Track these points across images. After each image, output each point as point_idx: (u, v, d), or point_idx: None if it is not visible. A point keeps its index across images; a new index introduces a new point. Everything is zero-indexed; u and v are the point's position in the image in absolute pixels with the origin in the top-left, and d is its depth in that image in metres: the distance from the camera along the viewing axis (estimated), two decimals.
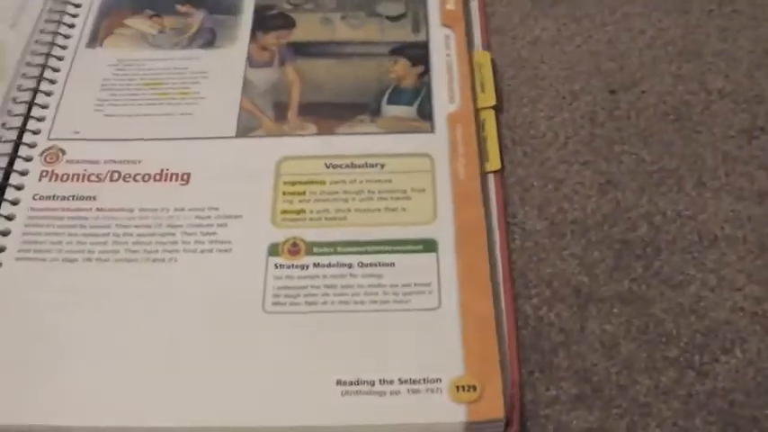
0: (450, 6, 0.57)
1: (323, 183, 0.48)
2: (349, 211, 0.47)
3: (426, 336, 0.42)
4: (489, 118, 0.51)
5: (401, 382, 0.40)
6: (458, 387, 0.40)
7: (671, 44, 0.55)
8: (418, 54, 0.55)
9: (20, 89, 0.53)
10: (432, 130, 0.51)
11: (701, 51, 0.55)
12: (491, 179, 0.49)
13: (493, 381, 0.40)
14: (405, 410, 0.39)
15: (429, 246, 0.45)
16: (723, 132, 0.51)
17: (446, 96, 0.52)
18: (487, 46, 0.56)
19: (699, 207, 0.48)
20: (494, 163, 0.49)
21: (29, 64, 0.55)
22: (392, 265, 0.45)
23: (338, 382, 0.40)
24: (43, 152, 0.50)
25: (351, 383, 0.40)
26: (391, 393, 0.40)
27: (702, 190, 0.49)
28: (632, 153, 0.50)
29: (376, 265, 0.44)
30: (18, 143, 0.50)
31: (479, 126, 0.51)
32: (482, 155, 0.50)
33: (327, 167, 0.49)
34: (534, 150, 0.50)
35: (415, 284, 0.44)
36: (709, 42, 0.55)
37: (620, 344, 0.43)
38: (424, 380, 0.40)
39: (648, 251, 0.46)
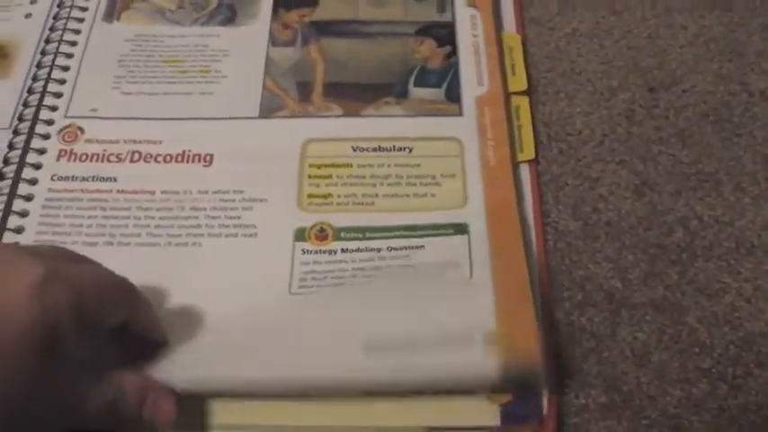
0: None
1: (350, 166, 0.48)
2: (377, 196, 0.47)
3: (459, 300, 0.42)
4: (523, 105, 0.52)
5: (435, 338, 0.40)
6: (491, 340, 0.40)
7: (713, 42, 0.56)
8: (444, 34, 0.55)
9: (39, 66, 0.53)
10: (460, 113, 0.51)
11: (744, 50, 0.55)
12: (525, 169, 0.49)
13: (526, 331, 0.40)
14: (440, 366, 0.39)
15: (460, 229, 0.46)
16: (764, 135, 0.51)
17: (474, 79, 0.52)
18: (520, 29, 0.56)
19: (737, 213, 0.48)
20: (528, 152, 0.50)
21: (48, 41, 0.55)
22: (422, 247, 0.45)
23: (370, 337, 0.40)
24: (61, 130, 0.50)
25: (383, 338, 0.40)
26: (425, 347, 0.40)
27: (741, 195, 0.49)
28: (670, 154, 0.51)
29: (405, 248, 0.45)
30: (35, 121, 0.50)
31: (511, 112, 0.51)
32: (515, 143, 0.50)
33: (354, 150, 0.49)
34: (570, 147, 0.51)
35: (446, 261, 0.44)
36: (751, 41, 0.56)
37: (652, 352, 0.44)
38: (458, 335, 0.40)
39: (684, 257, 0.47)
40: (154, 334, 0.39)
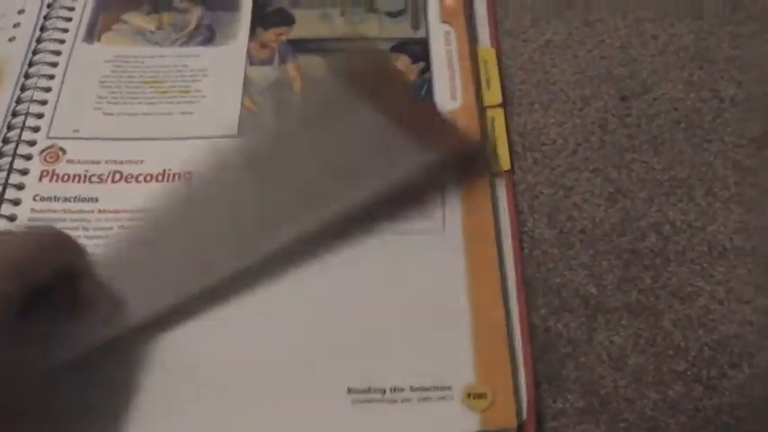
0: (449, 2, 0.58)
1: None
2: None
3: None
4: (498, 117, 0.53)
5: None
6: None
7: (683, 50, 0.57)
8: (418, 50, 0.56)
9: (23, 88, 0.55)
10: None
11: (714, 58, 0.57)
12: (500, 181, 0.50)
13: (504, 388, 0.42)
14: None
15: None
16: (734, 141, 0.53)
17: (448, 93, 0.54)
18: (495, 44, 0.57)
19: (708, 217, 0.50)
20: (504, 163, 0.51)
21: (31, 63, 0.56)
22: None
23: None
24: (43, 151, 0.51)
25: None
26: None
27: (712, 200, 0.50)
28: (642, 161, 0.52)
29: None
30: (19, 142, 0.51)
31: (485, 124, 0.52)
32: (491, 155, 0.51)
33: None
34: (545, 157, 0.52)
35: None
36: (720, 48, 0.57)
37: (628, 356, 0.45)
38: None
39: (657, 262, 0.48)
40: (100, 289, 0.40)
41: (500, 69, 0.55)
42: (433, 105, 0.52)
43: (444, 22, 0.57)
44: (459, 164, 0.49)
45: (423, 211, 0.49)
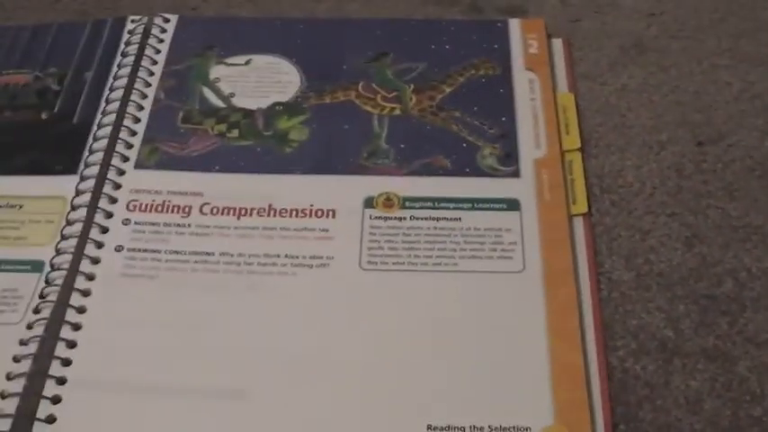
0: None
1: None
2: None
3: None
4: (576, 160, 0.55)
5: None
6: None
7: (758, 98, 0.59)
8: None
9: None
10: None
11: None
12: (578, 223, 0.52)
13: (582, 430, 0.43)
14: None
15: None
16: None
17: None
18: (573, 88, 0.59)
19: None
20: (581, 206, 0.53)
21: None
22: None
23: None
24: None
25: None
26: None
27: None
28: (718, 207, 0.53)
29: None
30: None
31: (566, 169, 0.54)
32: (569, 197, 0.53)
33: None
34: (622, 199, 0.54)
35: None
36: None
37: (705, 400, 0.46)
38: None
39: (733, 308, 0.49)
40: None
41: (577, 110, 0.57)
42: None
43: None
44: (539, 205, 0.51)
45: (503, 252, 0.50)
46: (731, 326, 0.49)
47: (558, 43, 0.61)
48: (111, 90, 0.59)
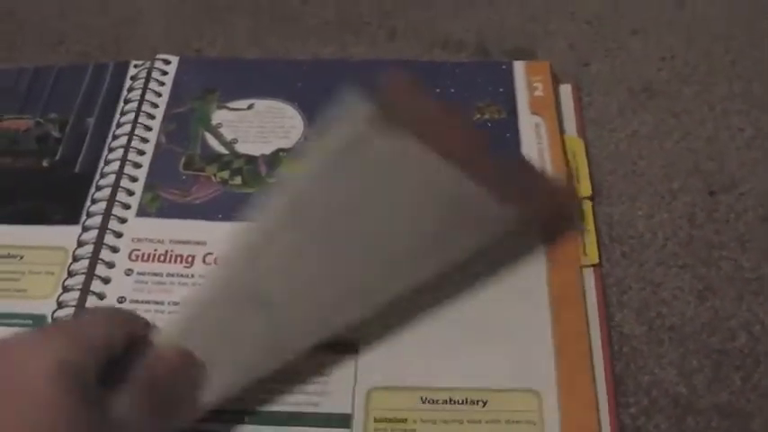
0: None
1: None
2: None
3: None
4: (587, 209, 0.55)
5: None
6: None
7: None
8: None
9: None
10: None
11: None
12: (589, 274, 0.52)
13: None
14: None
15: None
16: None
17: None
18: (582, 134, 0.59)
19: None
20: (592, 257, 0.53)
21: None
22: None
23: None
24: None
25: None
26: None
27: None
28: (731, 258, 0.54)
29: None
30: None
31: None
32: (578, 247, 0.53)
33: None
34: (632, 250, 0.54)
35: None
36: None
37: None
38: None
39: (747, 362, 0.49)
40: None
41: (587, 159, 0.57)
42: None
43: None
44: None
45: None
46: (745, 381, 0.49)
47: (566, 89, 0.61)
48: (114, 138, 0.59)
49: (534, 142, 0.58)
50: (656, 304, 0.52)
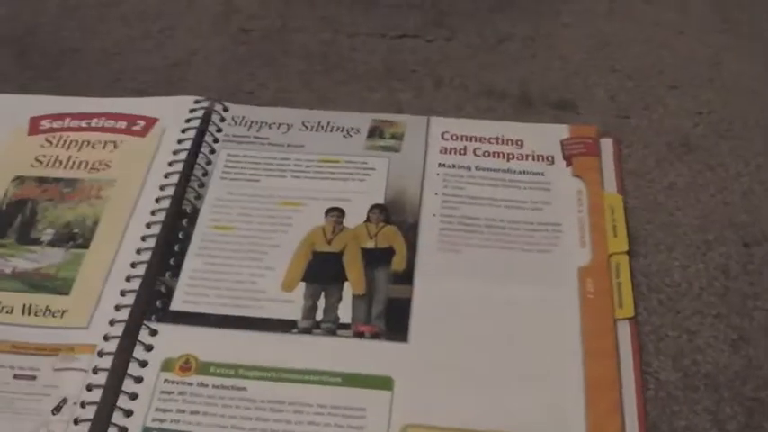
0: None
1: None
2: None
3: None
4: (623, 263, 0.57)
5: None
6: None
7: None
8: None
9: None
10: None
11: None
12: (624, 326, 0.55)
13: None
14: None
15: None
16: None
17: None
18: (621, 190, 0.62)
19: None
20: (627, 310, 0.55)
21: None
22: None
23: None
24: None
25: None
26: None
27: None
28: (765, 309, 0.56)
29: None
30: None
31: (611, 272, 0.57)
32: (614, 301, 0.55)
33: None
34: (669, 299, 0.56)
35: None
36: None
37: None
38: None
39: None
40: None
41: (625, 210, 0.60)
42: None
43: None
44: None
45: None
46: None
47: (607, 143, 0.64)
48: None
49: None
50: (691, 352, 0.54)
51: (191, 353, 0.53)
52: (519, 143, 0.64)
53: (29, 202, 0.62)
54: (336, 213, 0.60)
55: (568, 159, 0.63)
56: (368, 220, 0.60)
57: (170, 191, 0.62)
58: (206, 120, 0.66)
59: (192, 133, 0.65)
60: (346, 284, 0.57)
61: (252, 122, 0.67)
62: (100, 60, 0.74)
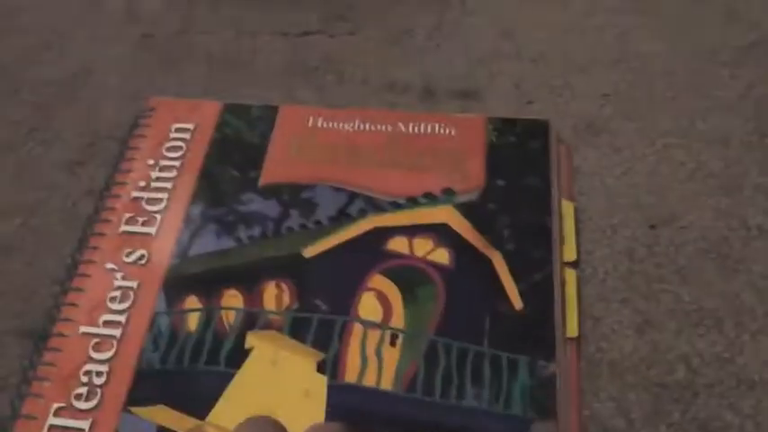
0: None
1: None
2: None
3: None
4: (570, 279, 0.54)
5: None
6: None
7: (712, 177, 0.61)
8: None
9: None
10: None
11: (741, 185, 0.60)
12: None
13: None
14: None
15: None
16: (762, 271, 0.56)
17: None
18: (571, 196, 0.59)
19: (737, 349, 0.53)
20: (571, 329, 0.52)
21: None
22: None
23: None
24: None
25: None
26: None
27: (741, 332, 0.53)
28: (671, 291, 0.55)
29: None
30: None
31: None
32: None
33: None
34: None
35: None
36: (748, 175, 0.61)
37: None
38: None
39: (686, 395, 0.51)
40: None
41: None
42: None
43: None
44: None
45: None
46: (683, 414, 0.50)
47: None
48: None
49: None
50: (595, 339, 0.53)
51: None
52: None
53: None
54: None
55: None
56: None
57: None
58: None
59: None
60: None
61: None
62: None
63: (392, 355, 0.50)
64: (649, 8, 0.73)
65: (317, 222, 0.56)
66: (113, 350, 0.51)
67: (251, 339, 0.51)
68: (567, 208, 0.58)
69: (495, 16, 0.73)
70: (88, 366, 0.51)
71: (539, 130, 0.60)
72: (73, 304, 0.54)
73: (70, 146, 0.66)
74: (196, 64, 0.71)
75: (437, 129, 0.60)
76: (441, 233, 0.55)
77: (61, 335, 0.52)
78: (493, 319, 0.51)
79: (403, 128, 0.61)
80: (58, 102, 0.69)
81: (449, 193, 0.57)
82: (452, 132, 0.60)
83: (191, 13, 0.75)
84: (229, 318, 0.52)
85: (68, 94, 0.70)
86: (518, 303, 0.51)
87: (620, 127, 0.64)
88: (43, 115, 0.68)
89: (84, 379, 0.50)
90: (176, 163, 0.60)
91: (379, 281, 0.53)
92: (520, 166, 0.58)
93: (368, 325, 0.52)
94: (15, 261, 0.59)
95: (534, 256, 0.53)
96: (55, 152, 0.66)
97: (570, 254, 0.55)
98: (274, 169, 0.59)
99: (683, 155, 0.62)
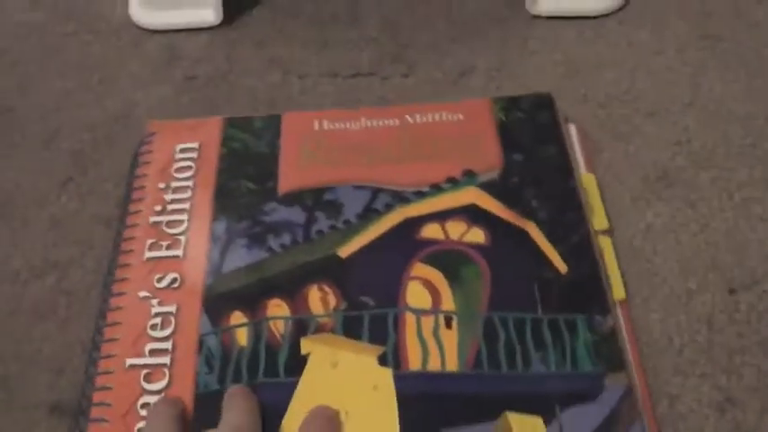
0: None
1: None
2: None
3: None
4: (606, 244, 0.55)
5: None
6: None
7: None
8: None
9: None
10: None
11: None
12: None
13: None
14: None
15: None
16: None
17: None
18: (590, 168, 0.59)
19: None
20: (618, 292, 0.53)
21: None
22: None
23: None
24: None
25: None
26: None
27: None
28: (753, 365, 0.51)
29: None
30: None
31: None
32: None
33: None
34: (647, 358, 0.51)
35: None
36: None
37: None
38: None
39: None
40: None
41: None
42: None
43: None
44: None
45: None
46: None
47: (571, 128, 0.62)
48: None
49: None
50: (672, 419, 0.49)
51: None
52: None
53: None
54: None
55: None
56: None
57: None
58: None
59: None
60: None
61: None
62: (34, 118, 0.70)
63: (451, 338, 0.51)
64: (722, 44, 0.68)
65: (346, 222, 0.57)
66: (167, 378, 0.50)
67: (306, 345, 0.51)
68: (589, 179, 0.58)
69: (558, 55, 0.69)
70: (144, 398, 0.49)
71: (544, 102, 0.62)
72: (113, 339, 0.52)
73: (108, 196, 0.63)
74: (240, 107, 0.68)
75: (444, 116, 0.62)
76: (471, 213, 0.56)
77: (107, 372, 0.51)
78: (542, 286, 0.53)
79: (410, 120, 0.62)
80: (95, 148, 0.67)
81: (470, 174, 0.58)
82: (460, 117, 0.62)
83: (234, 54, 0.72)
84: (278, 327, 0.52)
85: (108, 139, 0.67)
86: (562, 267, 0.53)
87: (695, 178, 0.60)
88: (80, 164, 0.65)
89: (143, 413, 0.49)
90: (189, 183, 0.60)
91: (421, 269, 0.54)
92: (533, 139, 0.60)
93: (419, 312, 0.52)
94: (47, 325, 0.56)
95: (568, 220, 0.56)
96: (91, 205, 0.62)
97: (601, 222, 0.56)
98: (291, 176, 0.59)
99: (764, 209, 0.58)
